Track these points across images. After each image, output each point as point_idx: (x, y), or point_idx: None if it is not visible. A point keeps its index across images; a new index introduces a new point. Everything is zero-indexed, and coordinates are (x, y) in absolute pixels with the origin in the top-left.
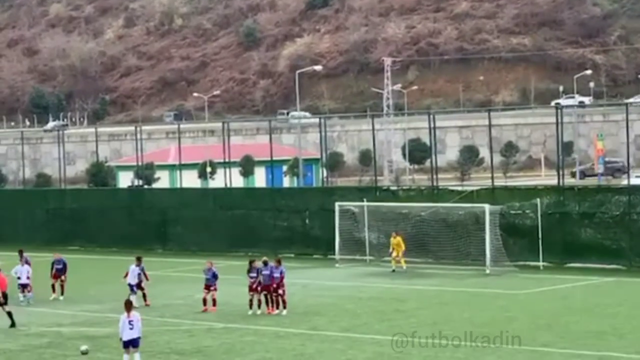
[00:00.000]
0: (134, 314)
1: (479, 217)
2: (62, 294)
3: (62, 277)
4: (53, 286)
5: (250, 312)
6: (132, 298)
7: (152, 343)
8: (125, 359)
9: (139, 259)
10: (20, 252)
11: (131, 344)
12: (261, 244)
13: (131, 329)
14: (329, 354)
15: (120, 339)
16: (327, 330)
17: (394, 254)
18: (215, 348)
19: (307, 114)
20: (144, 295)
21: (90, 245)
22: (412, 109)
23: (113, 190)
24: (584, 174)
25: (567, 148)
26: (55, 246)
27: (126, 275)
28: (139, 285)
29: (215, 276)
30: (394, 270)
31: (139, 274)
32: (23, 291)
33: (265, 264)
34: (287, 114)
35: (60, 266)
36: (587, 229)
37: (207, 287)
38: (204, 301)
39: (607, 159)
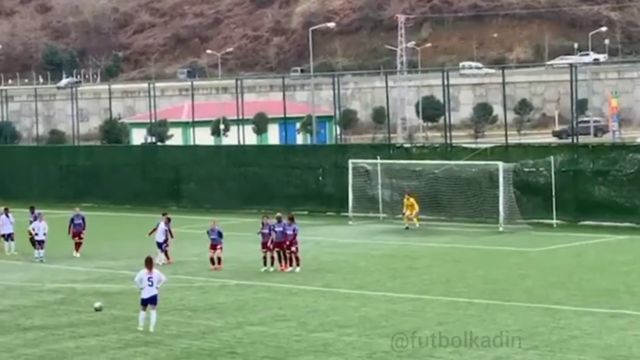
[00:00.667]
0: (155, 272)
1: (492, 175)
2: (77, 251)
3: (82, 234)
4: (76, 244)
5: (263, 269)
6: (160, 256)
7: (165, 300)
8: (141, 315)
9: (168, 218)
10: (32, 209)
11: (149, 302)
12: (274, 201)
13: (150, 285)
14: (342, 310)
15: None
16: (340, 287)
17: (407, 212)
18: (228, 305)
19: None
20: (166, 253)
21: (103, 203)
22: (425, 67)
23: (126, 148)
24: (560, 134)
25: (581, 106)
26: (68, 203)
27: (152, 231)
28: (165, 243)
29: (220, 235)
30: (407, 228)
31: (166, 232)
32: (40, 247)
33: (279, 220)
34: (301, 71)
35: (79, 221)
36: (601, 186)
37: (214, 247)
38: (212, 260)
39: (582, 119)
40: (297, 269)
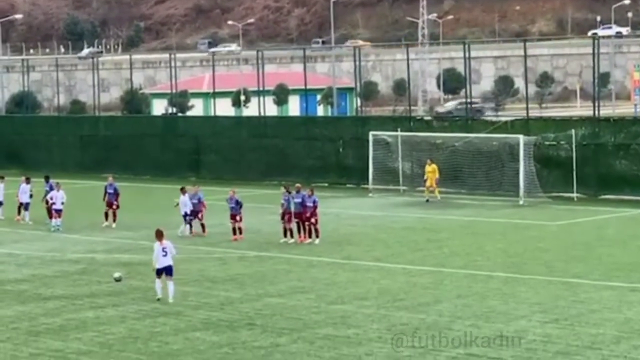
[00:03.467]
0: (166, 242)
1: (513, 148)
2: (114, 221)
3: (115, 204)
4: (106, 214)
5: (282, 240)
6: (182, 227)
7: (185, 271)
8: (157, 284)
9: (182, 189)
10: (46, 178)
11: (164, 271)
12: (294, 172)
13: (164, 256)
14: (361, 283)
15: (154, 268)
16: (359, 259)
17: (428, 182)
18: (247, 276)
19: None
20: (191, 225)
21: (123, 173)
22: (447, 39)
23: (147, 118)
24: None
25: (603, 79)
26: (89, 173)
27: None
28: (193, 214)
29: (238, 204)
30: (427, 200)
31: (193, 203)
32: (57, 217)
33: (298, 191)
34: (322, 42)
35: (111, 191)
36: (622, 160)
37: (233, 217)
38: (234, 230)
39: (460, 101)
40: (317, 241)
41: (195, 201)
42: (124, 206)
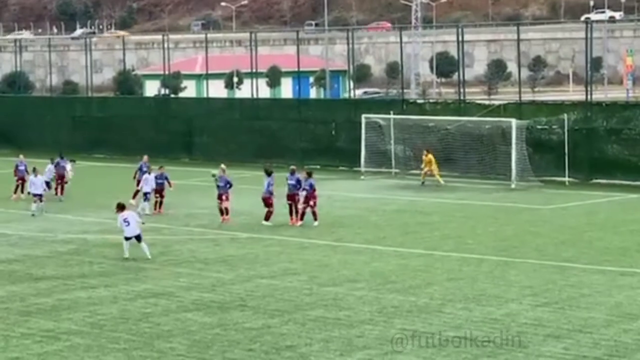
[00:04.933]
0: (127, 212)
1: (505, 132)
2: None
3: (163, 192)
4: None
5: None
6: (143, 204)
7: (177, 252)
8: (125, 245)
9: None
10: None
11: (134, 238)
12: (287, 154)
13: (127, 225)
14: (353, 265)
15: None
16: (351, 242)
17: (426, 169)
18: (239, 257)
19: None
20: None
21: (116, 154)
22: (440, 22)
23: (140, 99)
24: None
25: (596, 63)
26: (81, 154)
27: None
28: (158, 193)
29: (228, 184)
30: (423, 183)
31: (160, 183)
32: (39, 201)
33: (292, 173)
34: (315, 25)
35: (161, 180)
36: (614, 145)
37: (220, 197)
38: (221, 211)
39: (365, 90)
40: (315, 224)
41: (161, 181)
42: (117, 187)
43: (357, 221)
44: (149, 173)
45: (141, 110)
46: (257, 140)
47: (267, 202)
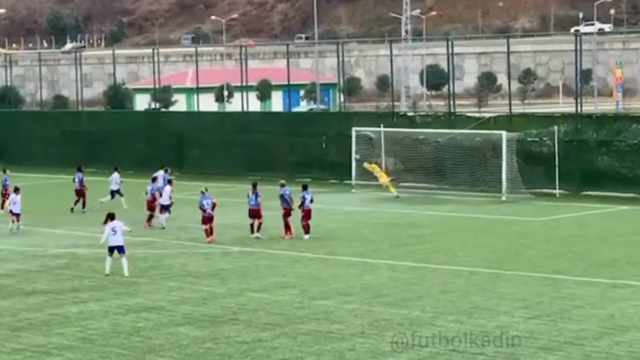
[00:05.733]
0: (116, 222)
1: (495, 144)
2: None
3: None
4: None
5: (252, 235)
6: (163, 218)
7: (168, 266)
8: (107, 261)
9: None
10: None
11: (116, 249)
12: (278, 168)
13: (114, 234)
14: (344, 278)
15: (102, 243)
16: (342, 255)
17: (381, 180)
18: (230, 271)
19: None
20: (151, 217)
21: (106, 168)
22: (430, 35)
23: (130, 113)
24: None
25: (585, 76)
26: (71, 168)
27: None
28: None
29: (213, 205)
30: (397, 197)
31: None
32: (16, 220)
33: (282, 186)
34: (305, 38)
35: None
36: (604, 157)
37: (208, 220)
38: (206, 232)
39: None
40: (306, 237)
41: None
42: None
43: (348, 234)
44: (170, 184)
45: (132, 124)
46: (247, 154)
47: (257, 214)
